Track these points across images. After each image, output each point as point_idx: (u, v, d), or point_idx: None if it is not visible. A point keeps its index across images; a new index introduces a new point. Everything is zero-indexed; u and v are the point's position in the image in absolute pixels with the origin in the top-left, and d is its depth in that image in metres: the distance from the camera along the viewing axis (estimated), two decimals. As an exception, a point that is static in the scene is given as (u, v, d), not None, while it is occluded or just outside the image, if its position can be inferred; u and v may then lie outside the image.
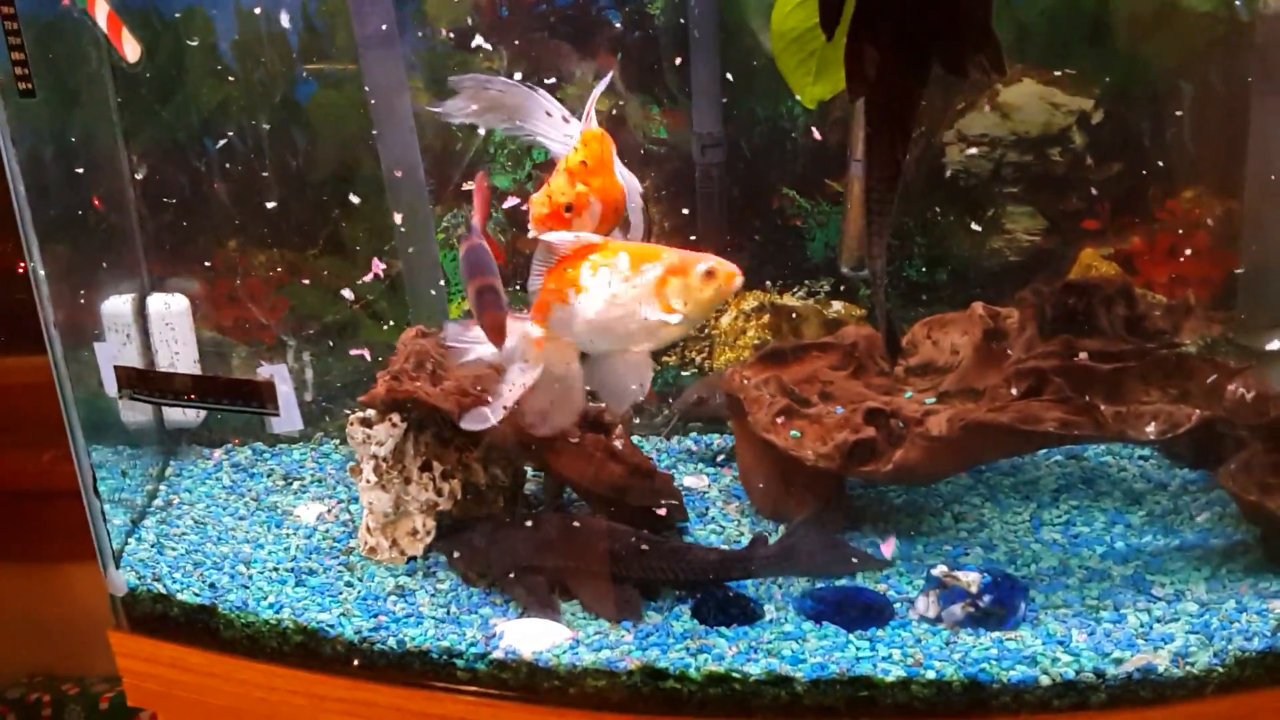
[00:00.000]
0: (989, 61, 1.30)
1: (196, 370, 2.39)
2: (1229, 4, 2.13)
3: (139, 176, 2.41)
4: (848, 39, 1.35)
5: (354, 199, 2.37)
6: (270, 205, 2.41)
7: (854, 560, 1.95)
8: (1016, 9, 2.21)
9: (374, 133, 2.32)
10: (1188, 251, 2.25)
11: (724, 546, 2.06)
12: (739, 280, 1.56)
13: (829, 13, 1.35)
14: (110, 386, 1.91)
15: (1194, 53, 2.19)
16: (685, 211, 2.50)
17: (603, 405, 2.19)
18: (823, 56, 1.91)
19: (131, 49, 1.99)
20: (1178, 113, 2.22)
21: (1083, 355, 1.96)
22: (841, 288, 2.51)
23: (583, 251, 1.60)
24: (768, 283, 2.55)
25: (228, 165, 2.44)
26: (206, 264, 2.48)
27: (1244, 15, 2.11)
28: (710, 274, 1.56)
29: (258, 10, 2.34)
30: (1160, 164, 2.26)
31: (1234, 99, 2.14)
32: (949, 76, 1.38)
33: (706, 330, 2.57)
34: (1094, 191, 2.27)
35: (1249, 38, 2.09)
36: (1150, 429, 1.85)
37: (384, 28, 2.22)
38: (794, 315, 2.50)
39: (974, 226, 2.34)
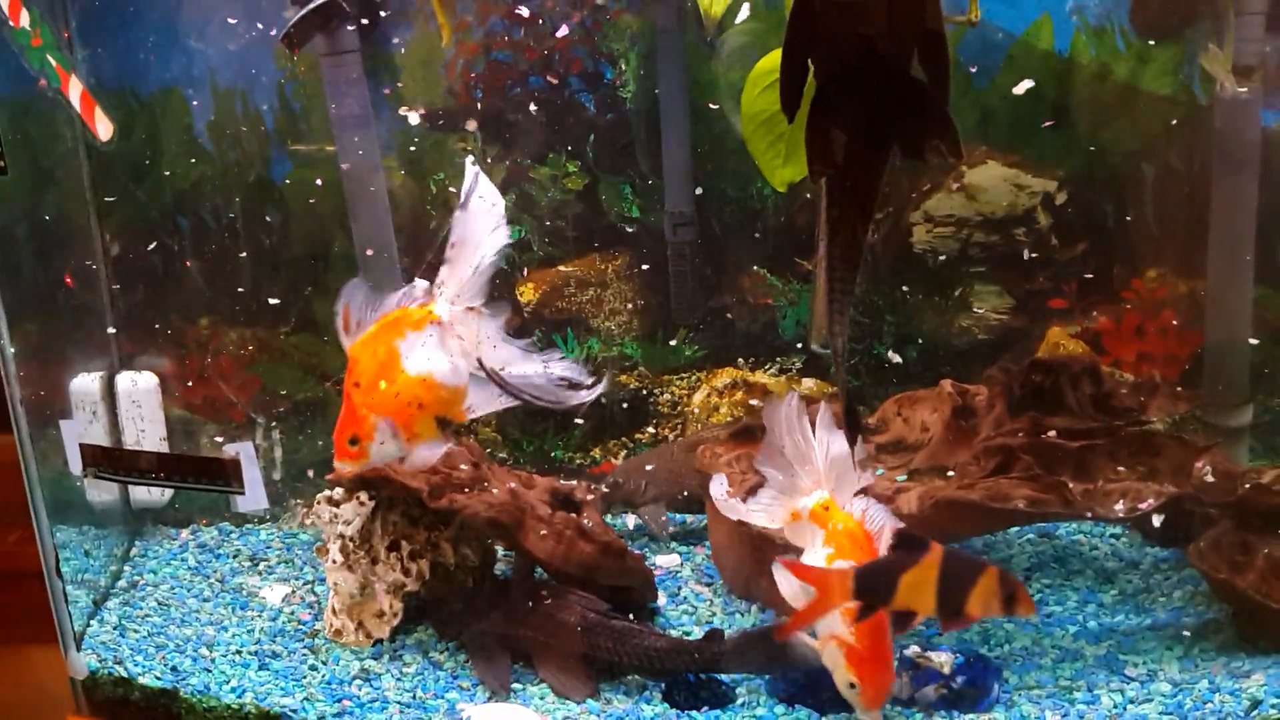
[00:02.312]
0: (947, 147, 1.32)
1: (163, 448, 2.37)
2: (1187, 88, 2.18)
3: (112, 254, 2.41)
4: (808, 122, 1.37)
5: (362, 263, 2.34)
6: (243, 284, 2.42)
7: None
8: (979, 93, 2.26)
9: (349, 211, 2.34)
10: (1154, 330, 2.28)
11: (676, 634, 2.02)
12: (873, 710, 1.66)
13: (790, 96, 1.37)
14: (75, 464, 1.89)
15: (1154, 135, 2.24)
16: (658, 288, 2.53)
17: (573, 484, 2.18)
18: (791, 139, 1.94)
19: (104, 128, 2.01)
20: (1140, 193, 2.27)
21: (1051, 433, 1.97)
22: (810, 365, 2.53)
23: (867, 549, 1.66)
24: (740, 359, 2.56)
25: (201, 243, 2.45)
26: (177, 342, 2.47)
27: (1202, 99, 2.16)
28: (850, 688, 1.65)
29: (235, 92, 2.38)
30: (1124, 244, 2.29)
31: (1194, 180, 2.18)
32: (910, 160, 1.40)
33: (679, 408, 2.57)
34: (1060, 271, 2.30)
35: (1208, 120, 2.13)
36: (1118, 507, 1.85)
37: (359, 109, 2.25)
38: (766, 392, 2.51)
39: (941, 303, 2.36)
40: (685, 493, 2.38)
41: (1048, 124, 2.19)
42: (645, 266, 2.52)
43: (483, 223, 1.58)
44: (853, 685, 1.64)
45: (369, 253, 2.27)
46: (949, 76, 1.30)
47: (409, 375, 1.58)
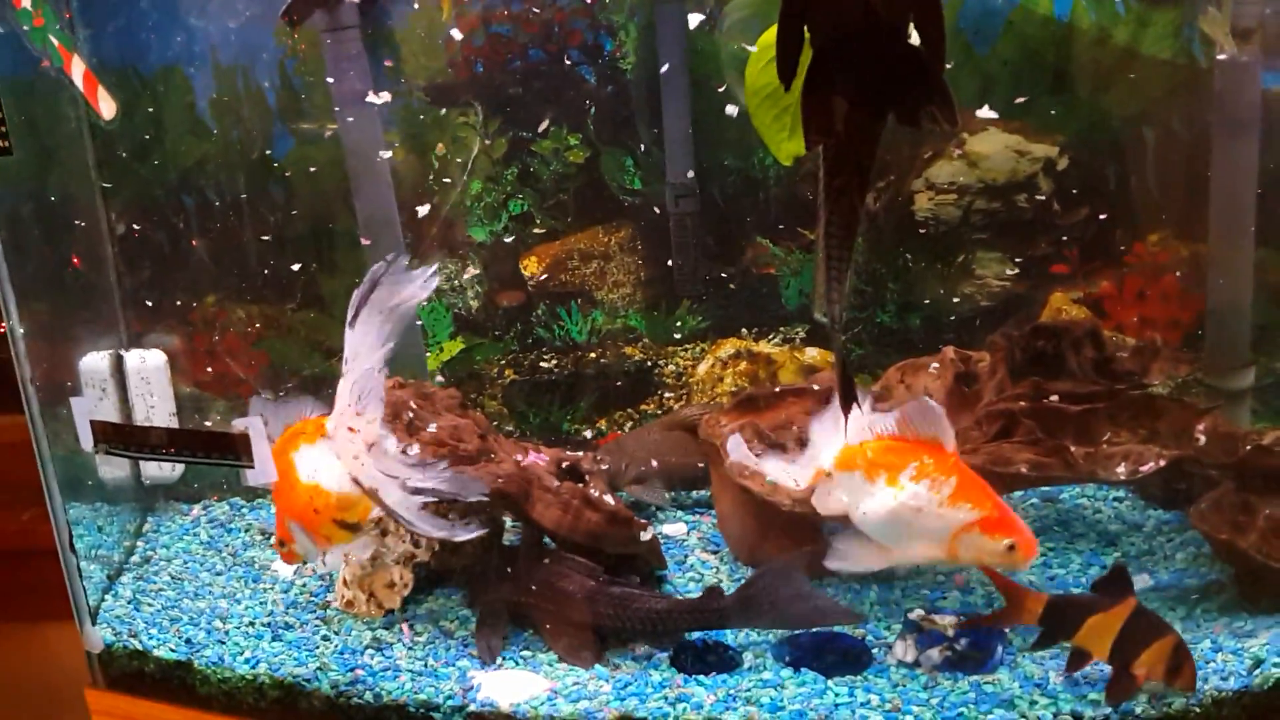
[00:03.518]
0: (942, 114, 1.32)
1: (173, 424, 2.39)
2: (1187, 52, 2.17)
3: (118, 233, 2.42)
4: (804, 90, 1.37)
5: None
6: (248, 261, 2.43)
7: (822, 612, 1.86)
8: (980, 60, 2.25)
9: (351, 187, 2.35)
10: (1155, 294, 2.28)
11: (677, 595, 2.05)
12: (1030, 563, 1.61)
13: (786, 65, 1.37)
14: (86, 441, 1.91)
15: (1155, 99, 2.23)
16: (661, 260, 2.53)
17: (579, 454, 2.20)
18: (796, 113, 1.93)
19: (108, 107, 2.02)
20: (1141, 158, 2.26)
21: (1053, 397, 1.98)
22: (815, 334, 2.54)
23: (919, 450, 1.64)
24: (743, 330, 2.57)
25: (206, 221, 2.46)
26: (184, 320, 2.49)
27: (1202, 61, 2.15)
28: (1011, 551, 1.60)
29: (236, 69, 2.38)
30: (1126, 209, 2.29)
31: (1195, 144, 2.18)
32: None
33: (684, 379, 2.59)
34: (1062, 237, 2.30)
35: (1208, 83, 2.13)
36: (1120, 470, 1.86)
37: (360, 85, 2.25)
38: (770, 362, 2.53)
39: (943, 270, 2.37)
40: (668, 472, 2.38)
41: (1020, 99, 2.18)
42: (648, 238, 2.53)
43: (369, 339, 1.69)
44: (1011, 546, 1.60)
45: (365, 241, 2.29)
46: (944, 44, 1.30)
47: (303, 483, 1.73)
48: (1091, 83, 2.25)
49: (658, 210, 2.50)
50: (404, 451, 1.76)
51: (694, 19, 2.22)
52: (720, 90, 2.27)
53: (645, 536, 2.03)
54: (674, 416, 2.44)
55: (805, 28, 1.35)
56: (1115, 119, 2.26)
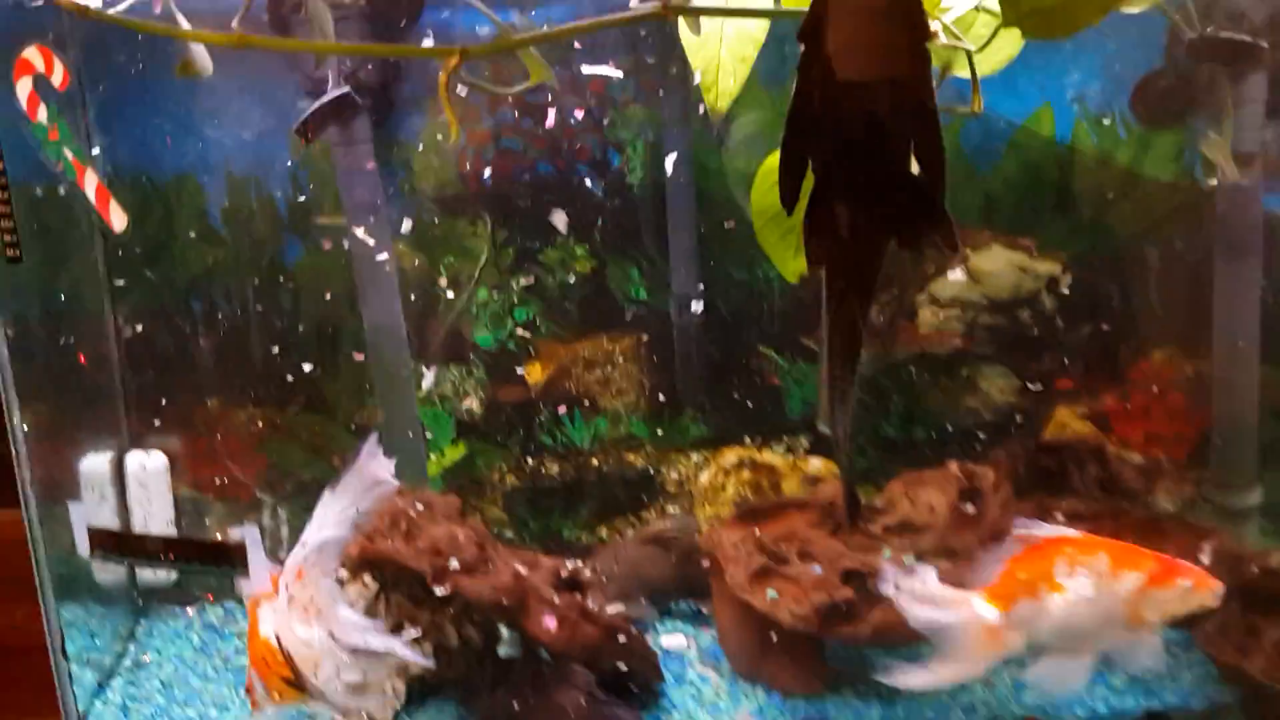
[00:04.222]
0: (943, 240, 1.33)
1: (171, 530, 2.38)
2: (1189, 174, 2.20)
3: (124, 335, 2.44)
4: (805, 215, 1.39)
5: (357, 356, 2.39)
6: (252, 364, 2.45)
7: None
8: (983, 179, 2.29)
9: (358, 293, 2.37)
10: (1160, 410, 2.28)
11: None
12: (1219, 594, 1.56)
13: (788, 190, 1.39)
14: (83, 547, 1.90)
15: (1157, 219, 2.26)
16: (665, 368, 2.54)
17: (577, 564, 2.18)
18: (801, 232, 1.96)
19: (119, 220, 2.05)
20: (1145, 277, 2.28)
21: (1057, 516, 1.96)
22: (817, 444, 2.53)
23: (1058, 545, 1.59)
24: (747, 439, 2.56)
25: (213, 325, 2.47)
26: (186, 422, 2.49)
27: (1204, 184, 2.18)
28: (1193, 590, 1.56)
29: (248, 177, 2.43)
30: (1130, 326, 2.30)
31: (1199, 263, 2.19)
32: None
33: (686, 486, 2.57)
34: (1066, 353, 2.30)
35: (1210, 205, 2.15)
36: (1127, 592, 1.83)
37: (370, 196, 2.29)
38: (773, 472, 2.51)
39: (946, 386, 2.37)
40: (647, 587, 2.35)
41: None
42: (652, 346, 2.54)
43: (341, 511, 1.71)
44: (1190, 586, 1.55)
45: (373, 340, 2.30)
46: (944, 170, 1.32)
47: (260, 637, 1.75)
48: (1094, 203, 2.28)
49: (662, 319, 2.51)
50: (354, 613, 1.75)
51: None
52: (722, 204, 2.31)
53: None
54: (650, 530, 2.41)
55: (807, 154, 1.37)
56: (1118, 238, 2.28)
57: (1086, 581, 1.57)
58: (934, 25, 1.46)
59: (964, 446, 2.35)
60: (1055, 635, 1.60)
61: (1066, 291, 2.29)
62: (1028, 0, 1.36)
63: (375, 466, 1.72)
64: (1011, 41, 1.61)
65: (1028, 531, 1.62)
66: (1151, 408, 2.29)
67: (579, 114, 2.38)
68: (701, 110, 1.80)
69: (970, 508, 2.08)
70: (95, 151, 2.28)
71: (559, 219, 2.35)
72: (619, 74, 2.27)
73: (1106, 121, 2.23)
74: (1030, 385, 2.33)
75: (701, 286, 2.46)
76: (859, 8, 1.25)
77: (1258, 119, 2.05)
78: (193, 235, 2.43)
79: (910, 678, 1.65)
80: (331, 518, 1.69)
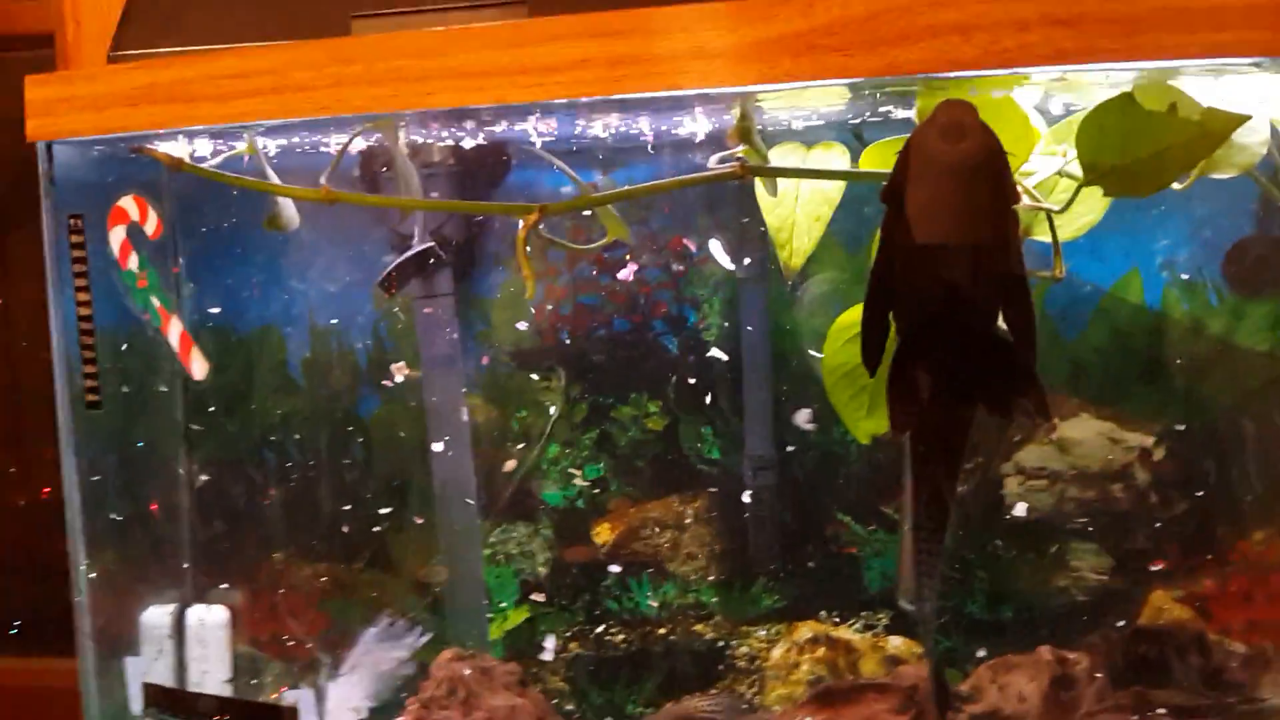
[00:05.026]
0: (1033, 405, 1.29)
1: (226, 689, 2.32)
2: (1285, 344, 2.13)
3: (197, 484, 2.45)
4: (890, 377, 1.35)
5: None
6: (320, 518, 2.43)
7: None
8: (1069, 345, 2.23)
9: (431, 446, 2.36)
10: (1262, 595, 2.14)
11: None
12: None
13: (871, 351, 1.36)
14: (136, 704, 1.86)
15: (1253, 391, 2.17)
16: (737, 533, 2.47)
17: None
18: (874, 391, 1.92)
19: (200, 368, 2.08)
20: (1242, 451, 2.18)
21: (1160, 710, 1.83)
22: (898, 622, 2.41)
23: None
24: (822, 613, 2.45)
25: (284, 476, 2.47)
26: (250, 576, 2.47)
27: (1301, 355, 2.10)
28: None
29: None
30: (1228, 504, 2.19)
31: (1299, 438, 2.10)
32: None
33: (756, 662, 2.46)
34: (1160, 530, 2.19)
35: (1309, 378, 2.07)
36: (1239, 797, 1.68)
37: (448, 349, 2.31)
38: (850, 650, 2.39)
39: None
40: None
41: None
42: (724, 510, 2.47)
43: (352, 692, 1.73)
44: None
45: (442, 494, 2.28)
46: (1034, 332, 1.28)
47: None
48: (1186, 372, 2.21)
49: (735, 482, 2.45)
50: None
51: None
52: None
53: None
54: (683, 708, 2.28)
55: (890, 314, 1.34)
56: (1213, 409, 2.20)
57: None
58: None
59: (1054, 630, 2.22)
60: None
61: (1160, 463, 2.20)
62: (1108, 159, 1.33)
63: (387, 647, 1.66)
64: (1095, 206, 1.58)
65: None
66: (1254, 591, 2.15)
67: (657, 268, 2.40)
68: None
69: (1064, 696, 1.95)
70: (182, 299, 2.34)
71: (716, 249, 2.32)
72: (729, 262, 2.29)
73: (1198, 289, 2.18)
74: (1123, 565, 2.22)
75: (776, 448, 2.41)
76: (943, 170, 1.23)
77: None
78: (269, 385, 2.46)
79: None
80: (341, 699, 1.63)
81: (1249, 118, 1.34)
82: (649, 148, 2.05)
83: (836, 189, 1.75)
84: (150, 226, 1.99)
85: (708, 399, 2.42)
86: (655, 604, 2.50)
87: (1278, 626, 2.15)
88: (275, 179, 1.64)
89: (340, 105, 1.42)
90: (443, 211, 2.29)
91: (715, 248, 2.32)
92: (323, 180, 1.58)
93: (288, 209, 1.68)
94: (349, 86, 1.39)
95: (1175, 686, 1.90)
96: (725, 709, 2.26)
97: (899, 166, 1.27)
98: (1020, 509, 2.25)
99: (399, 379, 2.31)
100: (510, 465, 2.44)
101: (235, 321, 2.46)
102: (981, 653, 2.17)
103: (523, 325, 2.44)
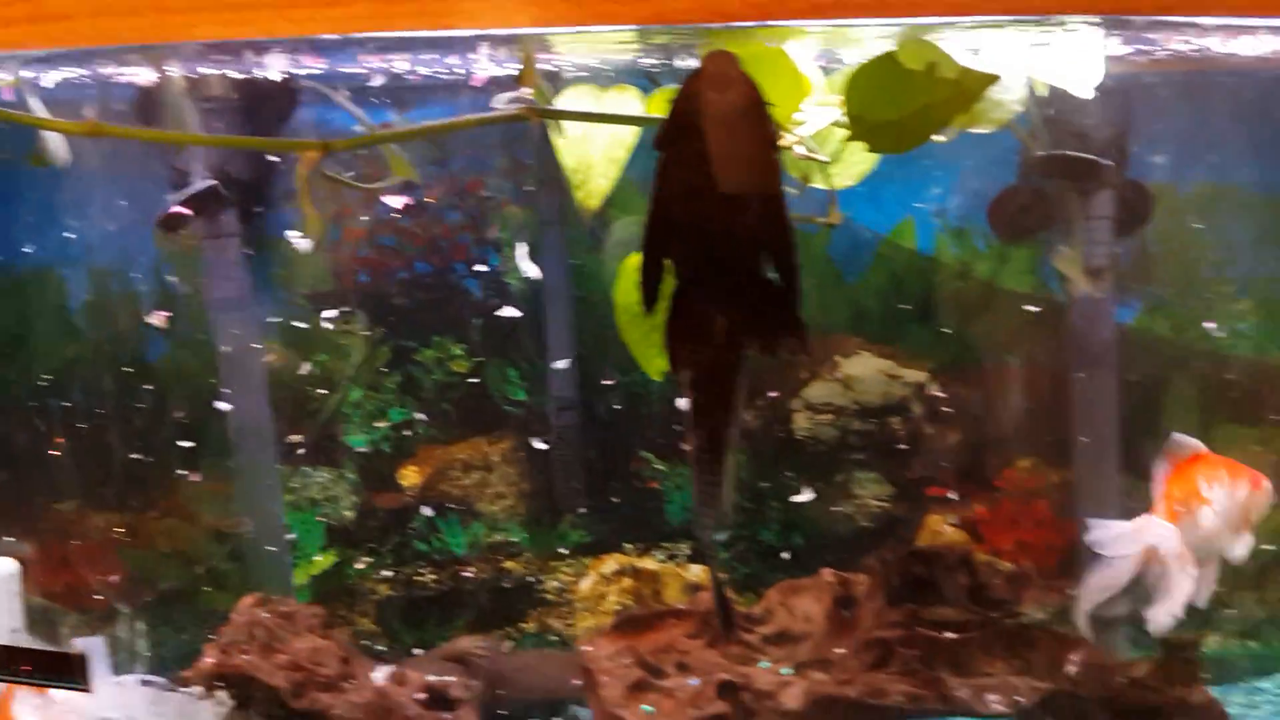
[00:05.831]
0: (798, 344, 1.36)
1: (15, 640, 2.24)
2: (1045, 286, 2.28)
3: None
4: (667, 319, 1.40)
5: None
6: (112, 466, 2.35)
7: None
8: (851, 288, 2.34)
9: (223, 391, 2.30)
10: (1028, 519, 2.31)
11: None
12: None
13: (648, 291, 1.40)
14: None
15: (1016, 330, 2.32)
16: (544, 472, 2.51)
17: (450, 680, 2.10)
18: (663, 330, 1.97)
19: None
20: (1008, 387, 2.34)
21: (928, 625, 1.96)
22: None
23: (1198, 462, 1.71)
24: (627, 546, 2.52)
25: (72, 424, 2.38)
26: (40, 526, 2.38)
27: (1059, 297, 2.25)
28: (1272, 493, 1.70)
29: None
30: (996, 434, 2.35)
31: (1057, 373, 2.25)
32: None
33: (565, 595, 2.52)
34: (935, 459, 2.34)
35: (1066, 317, 2.23)
36: (995, 703, 1.83)
37: (236, 291, 2.25)
38: (654, 579, 2.48)
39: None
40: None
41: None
42: (530, 450, 2.51)
43: None
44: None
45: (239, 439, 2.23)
46: (798, 277, 1.34)
47: None
48: (957, 313, 2.35)
49: (541, 422, 2.48)
50: None
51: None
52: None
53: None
54: (453, 648, 2.30)
55: (665, 258, 1.38)
56: (981, 348, 2.34)
57: (1222, 493, 1.69)
58: (786, 137, 1.49)
59: (841, 553, 2.34)
60: (1202, 547, 1.71)
61: (934, 397, 2.34)
62: (871, 115, 1.40)
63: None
64: (868, 156, 1.65)
65: (1177, 449, 1.73)
66: (1019, 516, 2.32)
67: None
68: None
69: (846, 615, 2.07)
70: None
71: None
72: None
73: (966, 235, 2.31)
74: (902, 492, 2.36)
75: (578, 389, 2.45)
76: (709, 118, 1.27)
77: (1106, 234, 2.14)
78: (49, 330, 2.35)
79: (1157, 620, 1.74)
80: None
81: (999, 77, 1.42)
82: (447, 89, 2.02)
83: (632, 132, 1.77)
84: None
85: (510, 341, 2.44)
86: (465, 543, 2.52)
87: (1042, 547, 2.33)
88: (43, 112, 1.56)
89: (100, 36, 1.35)
90: (225, 148, 2.21)
91: (520, 253, 2.34)
92: (86, 112, 1.51)
93: (54, 142, 1.60)
94: (109, 17, 1.32)
95: (945, 604, 2.03)
96: (491, 650, 2.31)
97: (671, 115, 1.31)
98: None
99: (158, 324, 2.24)
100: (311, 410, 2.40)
101: (9, 263, 2.33)
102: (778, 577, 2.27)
103: (317, 267, 2.40)
